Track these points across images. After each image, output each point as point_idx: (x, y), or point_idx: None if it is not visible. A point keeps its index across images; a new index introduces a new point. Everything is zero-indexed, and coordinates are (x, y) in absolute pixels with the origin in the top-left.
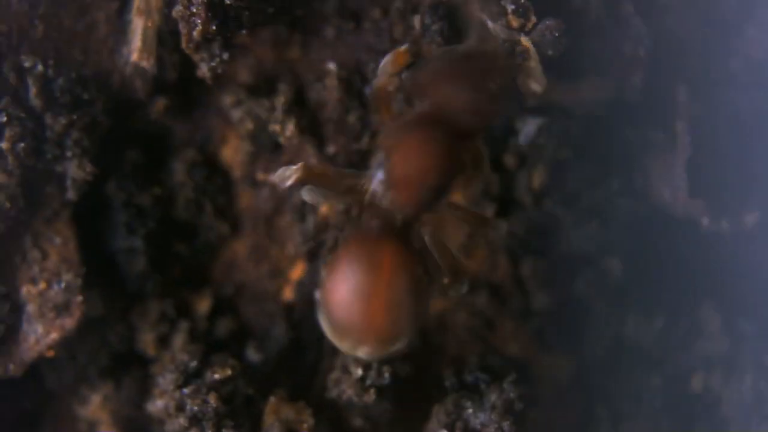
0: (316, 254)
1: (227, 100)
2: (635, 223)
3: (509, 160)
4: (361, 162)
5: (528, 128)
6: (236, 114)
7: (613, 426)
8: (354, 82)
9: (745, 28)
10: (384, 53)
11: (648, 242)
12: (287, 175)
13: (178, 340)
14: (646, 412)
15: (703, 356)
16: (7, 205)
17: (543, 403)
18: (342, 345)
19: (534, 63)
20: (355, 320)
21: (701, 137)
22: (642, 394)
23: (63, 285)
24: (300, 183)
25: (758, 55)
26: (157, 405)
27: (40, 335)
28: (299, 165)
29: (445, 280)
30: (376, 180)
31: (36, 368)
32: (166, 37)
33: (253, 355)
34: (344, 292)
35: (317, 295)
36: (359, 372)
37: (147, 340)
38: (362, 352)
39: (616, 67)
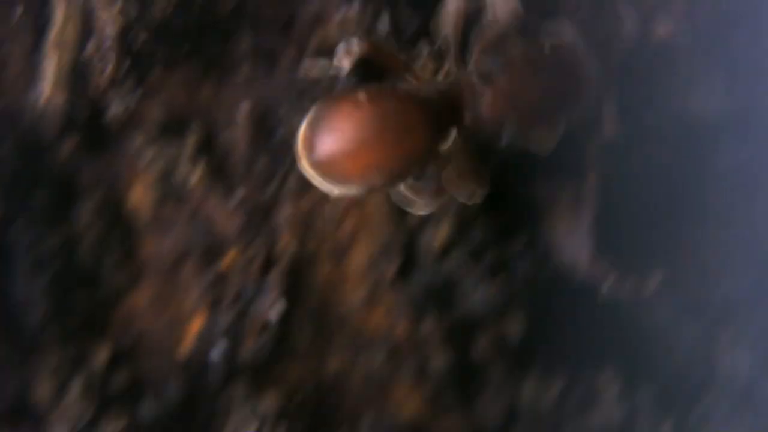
0: (218, 304)
1: (137, 140)
2: (537, 282)
3: (413, 215)
4: (271, 206)
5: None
6: (146, 155)
7: None
8: (266, 124)
9: (662, 80)
10: (299, 95)
11: (549, 303)
12: (350, 51)
13: (73, 391)
14: None
15: (600, 423)
16: None
17: None
18: (306, 166)
19: None
20: (344, 158)
21: (609, 195)
22: None
23: None
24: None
25: (674, 108)
26: None
27: None
28: (359, 42)
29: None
30: (480, 71)
31: None
32: (78, 75)
33: (147, 408)
34: (362, 127)
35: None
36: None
37: (42, 390)
38: (315, 178)
39: None
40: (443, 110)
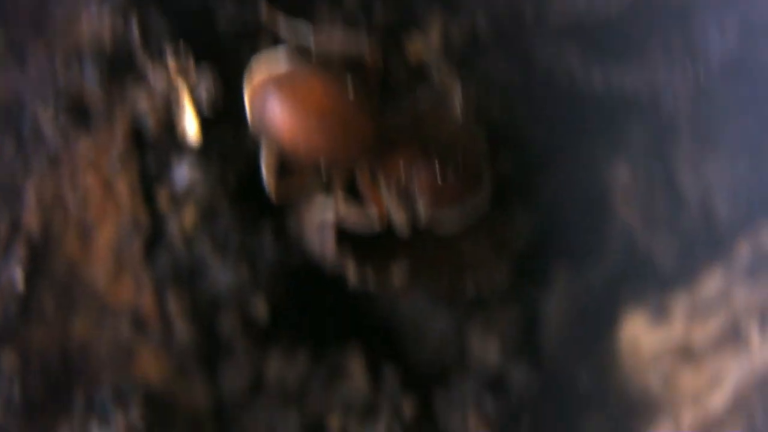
0: None
1: None
2: (286, 268)
3: (162, 199)
4: (17, 184)
5: (182, 169)
6: None
7: None
8: (12, 117)
9: None
10: (46, 96)
11: (297, 288)
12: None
13: None
14: None
15: (343, 397)
16: None
17: None
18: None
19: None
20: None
21: None
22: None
23: None
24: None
25: None
26: None
27: None
28: None
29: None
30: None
31: None
32: None
33: None
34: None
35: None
36: None
37: None
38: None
39: None
40: None
